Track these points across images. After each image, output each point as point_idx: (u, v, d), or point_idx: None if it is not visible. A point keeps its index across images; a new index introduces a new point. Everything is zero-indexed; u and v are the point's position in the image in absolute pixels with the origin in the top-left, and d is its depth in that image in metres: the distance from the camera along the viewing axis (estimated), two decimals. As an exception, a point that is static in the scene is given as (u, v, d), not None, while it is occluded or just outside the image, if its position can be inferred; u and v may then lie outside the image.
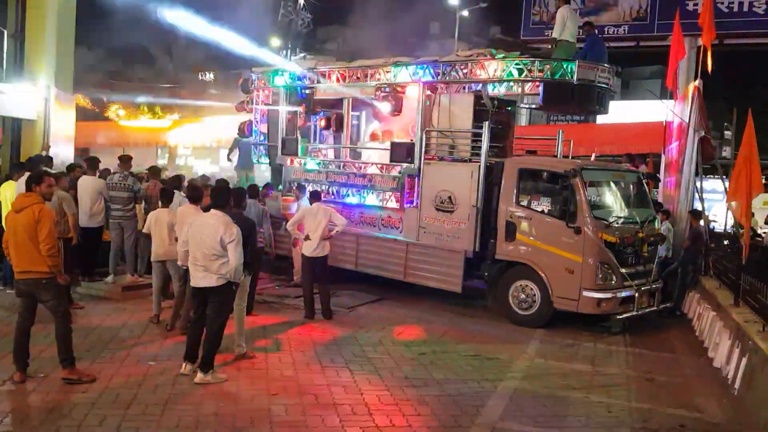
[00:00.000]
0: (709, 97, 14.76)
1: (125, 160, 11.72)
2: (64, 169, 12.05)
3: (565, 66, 10.97)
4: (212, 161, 31.52)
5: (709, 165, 14.99)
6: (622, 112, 22.84)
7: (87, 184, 11.26)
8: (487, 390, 7.63)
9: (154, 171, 12.15)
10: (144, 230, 9.48)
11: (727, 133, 32.82)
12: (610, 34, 23.00)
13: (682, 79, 16.96)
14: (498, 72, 11.34)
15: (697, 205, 13.76)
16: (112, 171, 12.22)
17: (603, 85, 11.41)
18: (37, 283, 6.82)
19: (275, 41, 27.36)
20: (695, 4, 21.11)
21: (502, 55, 11.64)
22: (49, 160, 12.35)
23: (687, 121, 13.58)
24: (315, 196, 10.87)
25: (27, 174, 10.57)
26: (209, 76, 30.70)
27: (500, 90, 12.29)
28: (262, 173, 17.14)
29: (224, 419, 6.36)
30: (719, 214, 19.85)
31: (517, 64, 11.18)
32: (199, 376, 7.26)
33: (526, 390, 7.75)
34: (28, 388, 6.83)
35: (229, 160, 16.55)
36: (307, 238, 10.39)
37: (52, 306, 6.91)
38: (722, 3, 20.54)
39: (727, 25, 19.99)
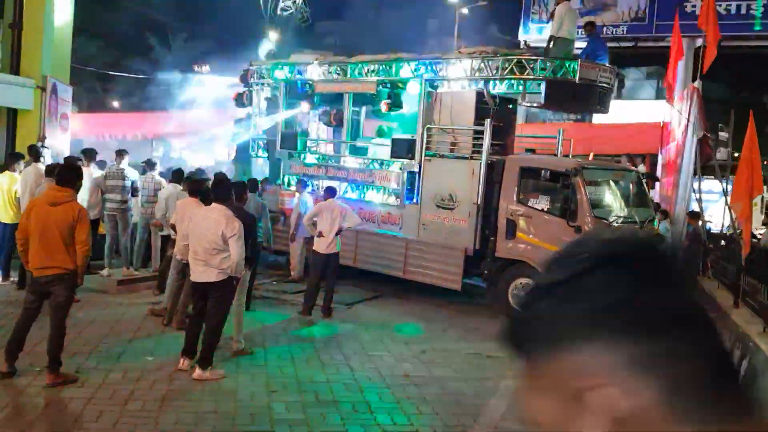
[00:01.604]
0: (704, 98, 14.76)
1: (121, 154, 11.65)
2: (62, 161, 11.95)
3: (567, 65, 10.95)
4: (206, 155, 31.41)
5: (702, 165, 14.98)
6: (617, 111, 22.81)
7: (85, 176, 11.13)
8: (488, 389, 7.58)
9: (151, 164, 12.05)
10: (171, 220, 9.36)
11: (723, 135, 32.77)
12: (609, 35, 22.99)
13: (681, 80, 16.95)
14: (500, 70, 11.29)
15: (694, 206, 13.76)
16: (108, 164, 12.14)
17: (604, 85, 11.39)
18: (60, 278, 6.68)
19: (274, 35, 27.27)
20: (693, 6, 21.11)
21: (505, 52, 11.59)
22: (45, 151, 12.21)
23: (686, 121, 13.58)
24: (331, 192, 10.75)
25: (27, 164, 10.56)
26: (205, 69, 30.55)
27: (501, 88, 12.25)
28: (259, 167, 17.07)
29: (224, 416, 6.29)
30: (715, 215, 19.90)
31: (519, 62, 11.14)
32: (198, 372, 7.18)
33: (527, 389, 7.69)
34: (23, 383, 6.72)
35: (227, 151, 16.48)
36: (320, 234, 10.28)
37: (62, 302, 6.76)
38: (719, 5, 20.55)
39: (724, 28, 20.02)
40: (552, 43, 11.79)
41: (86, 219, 6.73)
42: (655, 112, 19.92)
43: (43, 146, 12.77)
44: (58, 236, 6.59)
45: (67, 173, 6.99)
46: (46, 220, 6.64)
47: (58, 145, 14.85)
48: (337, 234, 10.30)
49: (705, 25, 13.93)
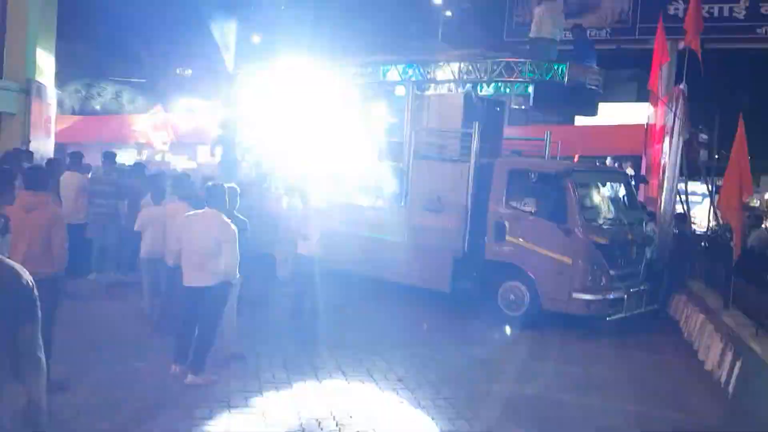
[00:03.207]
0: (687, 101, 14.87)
1: (109, 157, 11.53)
2: (44, 165, 11.79)
3: (555, 67, 10.97)
4: (189, 158, 31.18)
5: (693, 166, 15.11)
6: (600, 113, 22.93)
7: (70, 180, 11.01)
8: (481, 392, 7.57)
9: (138, 167, 11.93)
10: (135, 228, 9.28)
11: (702, 136, 32.96)
12: (592, 37, 23.09)
13: (664, 82, 17.06)
14: (488, 72, 11.29)
15: (679, 208, 13.84)
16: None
17: (593, 87, 11.43)
18: (40, 283, 6.53)
19: (256, 37, 27.15)
20: (676, 9, 21.30)
21: (494, 55, 11.60)
22: (29, 155, 12.07)
23: (672, 123, 13.66)
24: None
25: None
26: (188, 72, 30.38)
27: (490, 90, 12.25)
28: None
29: (218, 423, 6.23)
30: (699, 217, 20.06)
31: (507, 64, 11.15)
32: (190, 378, 7.11)
33: (520, 392, 7.70)
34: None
35: (213, 155, 16.38)
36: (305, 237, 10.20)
37: (48, 306, 6.64)
38: (702, 8, 20.71)
39: (707, 30, 20.17)
40: (531, 45, 11.81)
41: (62, 222, 6.60)
42: (638, 113, 20.07)
43: (26, 150, 12.65)
44: (37, 241, 6.46)
45: (34, 177, 6.82)
46: (23, 226, 6.45)
47: (42, 149, 14.67)
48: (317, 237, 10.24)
49: (689, 29, 14.03)
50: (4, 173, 6.34)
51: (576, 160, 14.67)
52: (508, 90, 11.87)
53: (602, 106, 26.20)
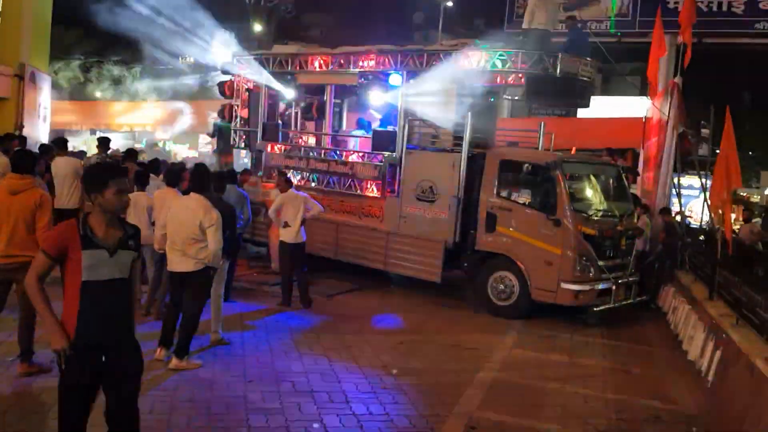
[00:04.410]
0: (686, 95, 14.86)
1: (103, 143, 11.56)
2: (37, 150, 11.84)
3: (548, 58, 10.97)
4: (191, 146, 31.29)
5: (687, 159, 15.10)
6: (602, 107, 22.92)
7: (61, 164, 11.04)
8: (464, 380, 7.62)
9: (131, 153, 11.97)
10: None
11: (704, 131, 32.89)
12: (592, 29, 23.07)
13: (662, 75, 17.03)
14: (481, 63, 11.30)
15: (675, 201, 13.86)
16: (88, 154, 12.06)
17: (585, 79, 11.43)
18: (25, 266, 6.58)
19: (257, 26, 27.19)
20: (676, 2, 21.25)
21: (486, 45, 11.60)
22: (22, 140, 12.12)
23: (667, 117, 13.66)
24: (289, 183, 10.76)
25: None
26: (189, 59, 30.46)
27: (483, 81, 12.24)
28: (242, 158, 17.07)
29: (199, 405, 6.29)
30: (695, 210, 20.08)
31: (500, 55, 11.15)
32: (174, 362, 7.17)
33: (504, 380, 7.76)
34: (-4, 372, 6.70)
35: (210, 135, 16.45)
36: (286, 224, 10.31)
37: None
38: (701, 2, 20.66)
39: (706, 24, 20.13)
40: (525, 36, 11.80)
41: (48, 205, 6.62)
42: (640, 107, 20.05)
43: (20, 135, 12.69)
44: (22, 224, 6.48)
45: (21, 160, 6.83)
46: (8, 209, 6.52)
47: (36, 134, 14.72)
48: (301, 224, 10.33)
49: (683, 22, 14.00)
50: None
51: (573, 152, 14.66)
52: (502, 80, 11.83)
53: (606, 100, 26.18)
